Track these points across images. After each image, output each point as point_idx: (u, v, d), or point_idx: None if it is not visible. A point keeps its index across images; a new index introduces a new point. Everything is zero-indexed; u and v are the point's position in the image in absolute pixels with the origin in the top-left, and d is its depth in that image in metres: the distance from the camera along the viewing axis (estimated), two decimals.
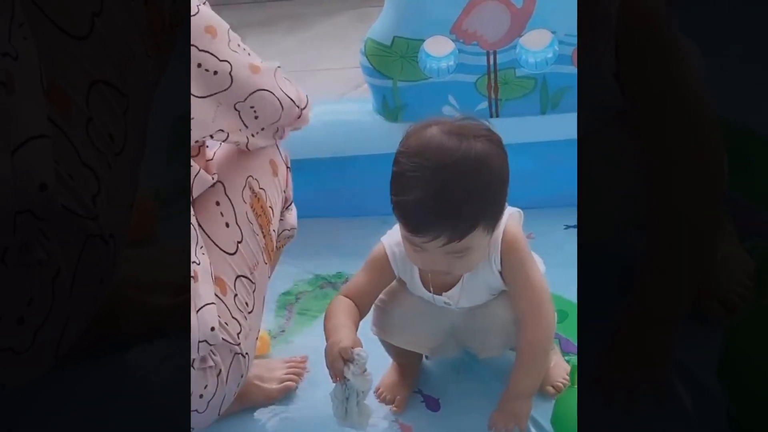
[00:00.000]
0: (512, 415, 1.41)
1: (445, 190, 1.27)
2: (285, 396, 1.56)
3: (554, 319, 1.42)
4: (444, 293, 1.43)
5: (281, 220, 1.53)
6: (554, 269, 1.49)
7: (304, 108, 1.51)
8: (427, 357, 1.58)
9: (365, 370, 1.33)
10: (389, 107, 1.88)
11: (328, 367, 1.35)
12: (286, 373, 1.58)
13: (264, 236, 1.46)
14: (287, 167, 1.54)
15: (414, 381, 1.56)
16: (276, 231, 1.51)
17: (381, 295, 1.48)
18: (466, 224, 1.29)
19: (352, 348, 1.33)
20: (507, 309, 1.43)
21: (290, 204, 1.56)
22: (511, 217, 1.39)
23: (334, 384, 1.35)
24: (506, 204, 1.35)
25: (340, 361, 1.32)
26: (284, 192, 1.52)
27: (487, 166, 1.30)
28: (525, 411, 1.42)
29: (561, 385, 1.51)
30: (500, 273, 1.40)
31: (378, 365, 1.50)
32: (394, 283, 1.48)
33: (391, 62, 1.83)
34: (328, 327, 1.40)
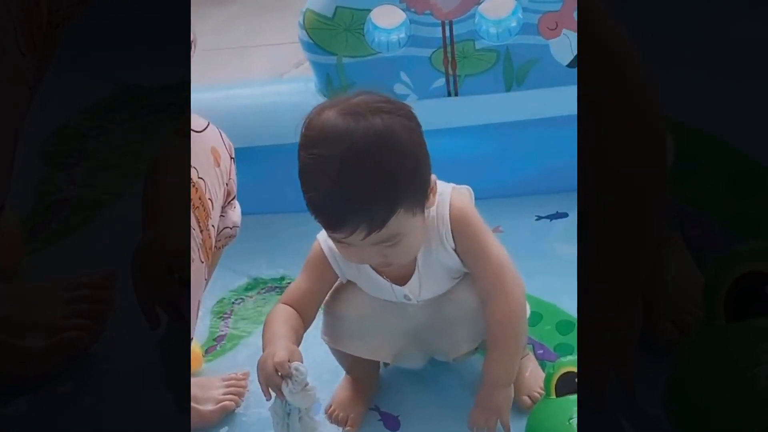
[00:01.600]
0: (492, 409, 1.35)
1: (349, 178, 1.22)
2: (223, 418, 1.47)
3: (523, 292, 1.36)
4: (403, 286, 1.37)
5: (222, 216, 1.46)
6: (527, 266, 1.41)
7: None
8: (386, 364, 1.50)
9: (306, 385, 1.26)
10: (334, 87, 1.80)
11: (260, 383, 1.29)
12: (225, 393, 1.49)
13: (201, 231, 1.38)
14: (231, 157, 1.48)
15: (370, 396, 1.48)
16: (216, 227, 1.43)
17: (328, 298, 1.42)
18: (382, 209, 1.24)
19: (289, 362, 1.27)
20: (472, 293, 1.37)
21: (233, 198, 1.50)
22: (455, 191, 1.34)
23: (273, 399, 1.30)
24: (430, 177, 1.29)
25: (275, 377, 1.27)
26: (227, 184, 1.45)
27: (391, 141, 1.24)
28: (505, 402, 1.36)
29: (537, 395, 1.43)
30: (455, 251, 1.34)
31: (331, 378, 1.47)
32: (341, 281, 1.42)
33: (335, 36, 1.76)
34: (264, 339, 1.35)
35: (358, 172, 1.22)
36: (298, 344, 1.33)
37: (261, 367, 1.28)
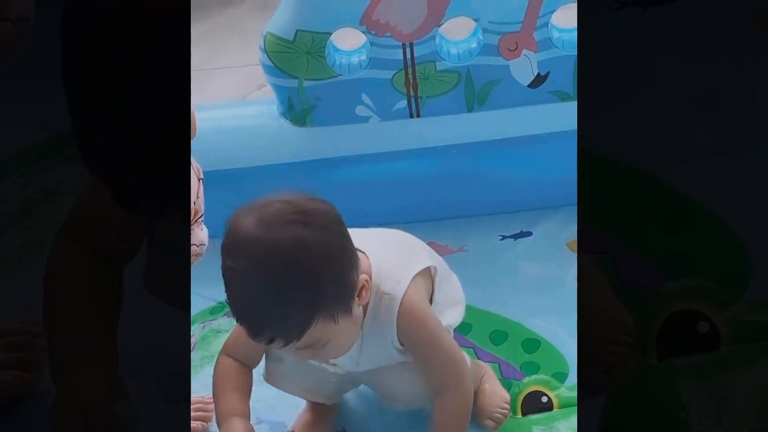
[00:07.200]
0: None
1: (254, 291, 1.22)
2: None
3: (471, 382, 1.37)
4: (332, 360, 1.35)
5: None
6: (492, 285, 1.46)
7: None
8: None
9: None
10: (296, 110, 1.78)
11: None
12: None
13: None
14: (199, 179, 1.47)
15: (332, 419, 1.47)
16: None
17: None
18: (295, 323, 1.22)
19: None
20: (412, 380, 1.36)
21: (200, 217, 1.48)
22: (414, 285, 1.32)
23: None
24: (356, 280, 1.26)
25: None
26: (194, 203, 1.44)
27: (301, 253, 1.21)
28: None
29: (500, 416, 1.42)
30: (399, 349, 1.34)
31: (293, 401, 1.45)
32: None
33: (295, 59, 1.74)
34: (218, 410, 1.35)
35: (259, 286, 1.21)
36: (249, 398, 1.35)
37: None
